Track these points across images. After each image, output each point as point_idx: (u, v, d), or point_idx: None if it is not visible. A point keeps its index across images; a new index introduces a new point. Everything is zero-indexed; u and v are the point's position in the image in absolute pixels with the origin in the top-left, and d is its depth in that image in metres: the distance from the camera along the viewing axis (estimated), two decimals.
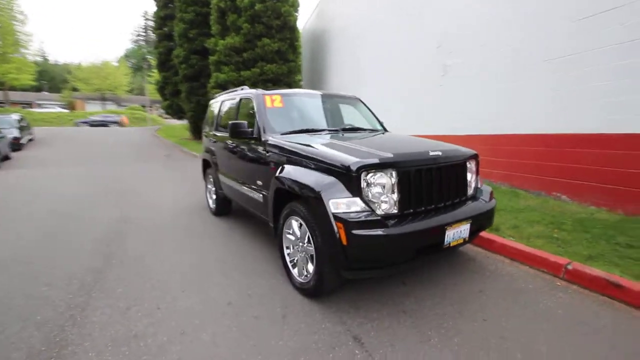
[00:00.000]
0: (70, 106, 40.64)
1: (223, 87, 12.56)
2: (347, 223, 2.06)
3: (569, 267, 2.67)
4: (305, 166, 2.51)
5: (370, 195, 2.19)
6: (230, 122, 3.23)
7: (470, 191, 2.73)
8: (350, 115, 3.90)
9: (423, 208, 2.35)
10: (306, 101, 3.70)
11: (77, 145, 14.94)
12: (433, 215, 2.33)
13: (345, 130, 3.44)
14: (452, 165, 2.54)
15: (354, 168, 2.16)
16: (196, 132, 18.77)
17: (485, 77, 5.57)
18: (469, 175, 2.71)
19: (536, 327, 2.12)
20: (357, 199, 2.16)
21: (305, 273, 2.52)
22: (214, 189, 4.70)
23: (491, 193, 2.89)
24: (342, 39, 11.10)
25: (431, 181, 2.39)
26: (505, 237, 3.32)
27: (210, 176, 4.75)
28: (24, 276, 2.91)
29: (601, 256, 2.87)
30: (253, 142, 3.26)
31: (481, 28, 5.60)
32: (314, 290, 2.41)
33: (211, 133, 4.59)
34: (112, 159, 11.17)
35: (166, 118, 40.94)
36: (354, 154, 2.34)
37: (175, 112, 17.25)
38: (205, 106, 16.98)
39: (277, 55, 12.37)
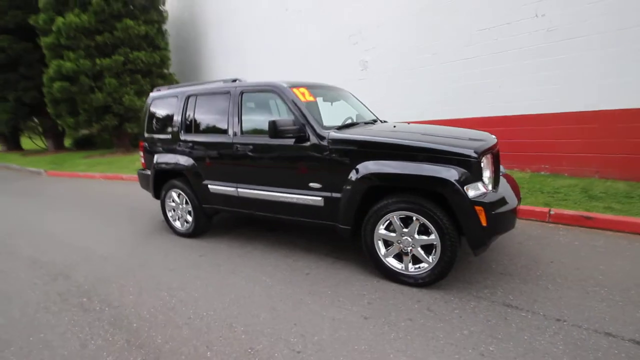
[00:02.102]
0: None
1: (71, 79, 9.65)
2: (486, 205, 2.24)
3: (552, 212, 3.66)
4: (402, 159, 2.47)
5: (483, 177, 2.42)
6: (270, 120, 2.74)
7: None
8: (350, 108, 3.89)
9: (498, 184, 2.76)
10: (322, 93, 3.48)
11: None
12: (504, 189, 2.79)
13: (374, 122, 3.48)
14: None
15: (476, 155, 2.33)
16: (13, 141, 13.65)
17: (402, 72, 6.51)
18: None
19: (580, 255, 2.89)
20: (479, 183, 2.36)
21: (413, 266, 2.53)
22: (184, 205, 3.80)
23: None
24: (226, 31, 10.21)
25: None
26: None
27: (177, 191, 3.79)
28: None
29: (550, 203, 4.04)
30: (295, 141, 2.88)
31: (392, 25, 6.49)
32: (436, 279, 2.46)
33: (182, 138, 3.64)
34: None
35: None
36: (452, 142, 2.50)
37: None
38: (32, 106, 12.78)
39: (145, 41, 10.40)
